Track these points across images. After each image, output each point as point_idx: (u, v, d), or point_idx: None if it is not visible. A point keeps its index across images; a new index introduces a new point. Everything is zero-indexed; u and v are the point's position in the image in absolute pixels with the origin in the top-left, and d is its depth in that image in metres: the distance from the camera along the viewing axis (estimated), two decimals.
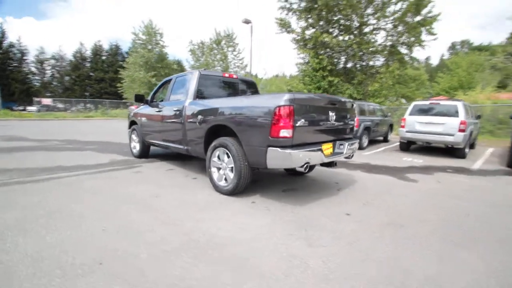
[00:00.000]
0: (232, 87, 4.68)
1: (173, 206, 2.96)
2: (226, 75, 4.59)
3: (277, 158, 2.73)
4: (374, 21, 19.53)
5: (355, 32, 19.19)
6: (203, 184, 3.84)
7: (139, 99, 5.11)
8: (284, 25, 20.16)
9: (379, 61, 19.91)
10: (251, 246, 2.14)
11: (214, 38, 32.15)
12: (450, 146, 6.80)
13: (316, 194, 3.50)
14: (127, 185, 3.70)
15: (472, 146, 7.86)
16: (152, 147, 5.66)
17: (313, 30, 18.98)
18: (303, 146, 2.86)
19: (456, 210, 3.13)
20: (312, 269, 1.86)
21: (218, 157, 3.48)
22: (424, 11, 17.56)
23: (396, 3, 18.28)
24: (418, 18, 18.34)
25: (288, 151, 2.67)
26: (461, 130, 6.44)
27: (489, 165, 6.06)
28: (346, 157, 3.57)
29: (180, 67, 39.70)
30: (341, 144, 3.38)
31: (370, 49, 18.64)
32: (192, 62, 33.38)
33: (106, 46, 47.29)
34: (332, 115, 3.21)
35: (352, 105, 3.77)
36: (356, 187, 3.94)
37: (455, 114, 6.66)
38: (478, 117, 8.74)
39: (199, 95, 4.09)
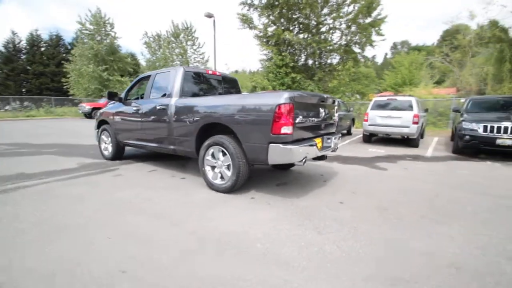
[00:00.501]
0: (215, 85, 4.64)
1: (173, 208, 2.90)
2: (210, 72, 4.53)
3: (279, 154, 2.85)
4: (331, 21, 20.67)
5: (313, 30, 20.08)
6: (194, 184, 3.78)
7: (112, 96, 4.75)
8: (246, 21, 20.22)
9: (335, 59, 21.11)
10: (268, 239, 2.24)
11: (172, 31, 30.74)
12: (406, 136, 7.68)
13: (307, 187, 3.72)
14: (113, 191, 3.47)
15: (422, 136, 8.95)
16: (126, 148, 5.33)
17: (275, 27, 19.40)
18: (300, 141, 3.02)
19: (425, 192, 3.61)
20: (329, 253, 2.04)
21: (212, 156, 3.46)
22: (374, 14, 19.06)
23: (349, 5, 19.59)
24: (368, 19, 19.88)
25: (289, 147, 2.81)
26: (414, 123, 7.31)
27: (438, 152, 7.01)
28: (332, 151, 3.85)
29: (134, 61, 37.19)
30: (328, 139, 3.64)
31: (328, 47, 19.69)
32: (148, 55, 31.56)
33: (45, 36, 41.90)
34: (322, 111, 3.43)
35: (334, 101, 4.05)
36: (339, 177, 4.27)
37: (409, 108, 7.52)
38: (426, 110, 9.96)
39: (184, 92, 3.99)
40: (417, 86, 32.05)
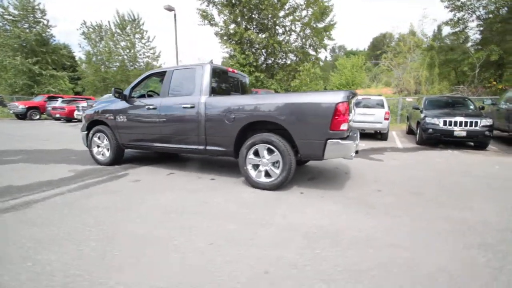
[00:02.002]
0: (234, 83, 4.57)
1: (238, 209, 2.83)
2: (230, 70, 4.44)
3: (336, 150, 3.03)
4: (288, 23, 21.64)
5: (271, 31, 20.74)
6: (228, 184, 3.71)
7: (119, 93, 4.28)
8: (207, 17, 19.79)
9: (291, 60, 22.16)
10: (355, 227, 2.40)
11: (116, 22, 27.96)
12: (378, 131, 8.66)
13: (337, 180, 3.99)
14: (151, 197, 3.18)
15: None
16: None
17: (235, 25, 19.41)
18: (349, 137, 3.26)
19: (431, 178, 4.24)
20: (415, 231, 2.31)
21: (256, 154, 3.46)
22: (327, 19, 20.60)
23: (302, 10, 20.81)
24: (322, 24, 21.42)
25: (346, 142, 3.02)
26: (386, 119, 8.32)
27: (406, 144, 8.11)
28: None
29: (69, 53, 32.74)
30: (354, 134, 3.97)
31: (288, 48, 20.59)
32: (89, 48, 28.16)
33: None
34: (355, 109, 3.73)
35: None
36: (353, 169, 4.66)
37: (381, 106, 8.52)
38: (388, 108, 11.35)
39: (212, 91, 3.85)
40: (360, 86, 35.90)
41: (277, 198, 3.17)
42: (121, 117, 4.43)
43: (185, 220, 2.52)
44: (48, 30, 23.89)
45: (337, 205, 2.96)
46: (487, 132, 6.87)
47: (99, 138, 4.78)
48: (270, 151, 3.38)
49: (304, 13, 20.64)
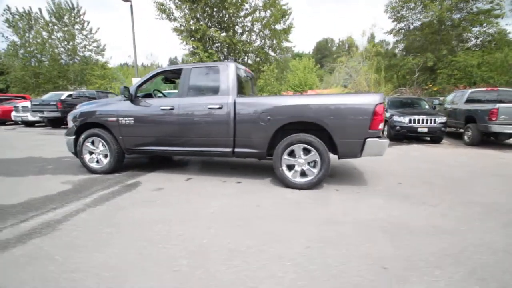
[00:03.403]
0: (249, 82, 4.47)
1: (296, 209, 2.83)
2: (247, 69, 4.33)
3: (374, 147, 3.25)
4: (249, 24, 21.86)
5: (234, 30, 20.70)
6: (259, 185, 3.65)
7: (128, 93, 3.82)
8: (165, 11, 18.72)
9: (253, 60, 22.50)
10: (414, 220, 2.64)
11: (51, 10, 24.32)
12: None
13: (352, 175, 4.25)
14: (196, 205, 2.95)
15: None
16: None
17: (195, 22, 18.77)
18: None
19: (422, 169, 4.83)
20: (450, 220, 2.65)
21: (291, 155, 3.47)
22: (287, 22, 21.38)
23: (261, 11, 21.29)
24: (280, 26, 22.16)
25: (383, 140, 3.26)
26: None
27: None
28: None
29: None
30: None
31: (249, 48, 20.78)
32: (16, 38, 23.94)
33: None
34: None
35: None
36: (357, 165, 5.01)
37: None
38: None
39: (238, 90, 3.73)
40: (312, 87, 38.20)
41: (319, 196, 3.25)
42: (126, 119, 3.94)
43: (258, 226, 2.42)
44: None
45: (378, 199, 3.18)
46: (442, 128, 8.07)
47: (92, 143, 4.17)
48: (305, 151, 3.44)
49: (263, 14, 21.12)
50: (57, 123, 11.18)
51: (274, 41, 21.78)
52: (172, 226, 2.39)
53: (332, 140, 3.38)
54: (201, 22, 18.68)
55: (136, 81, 15.83)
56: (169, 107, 3.77)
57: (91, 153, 4.22)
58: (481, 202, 3.06)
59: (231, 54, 21.78)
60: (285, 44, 23.18)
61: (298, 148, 3.43)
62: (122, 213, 2.68)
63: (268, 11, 21.40)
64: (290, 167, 3.52)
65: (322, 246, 2.07)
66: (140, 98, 4.09)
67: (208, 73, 3.82)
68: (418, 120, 8.07)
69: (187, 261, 1.84)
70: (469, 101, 8.56)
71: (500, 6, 15.90)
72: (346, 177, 4.10)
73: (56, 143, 7.35)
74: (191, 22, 18.47)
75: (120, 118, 3.96)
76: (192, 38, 18.64)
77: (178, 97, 3.80)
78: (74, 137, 4.23)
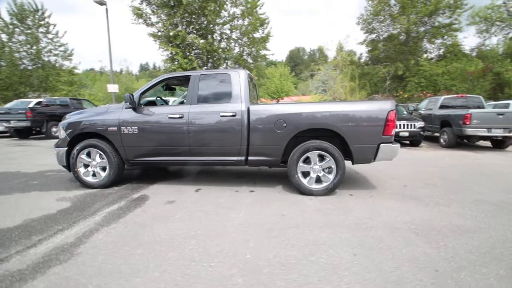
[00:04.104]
0: (253, 88, 4.43)
1: (322, 216, 2.81)
2: (251, 75, 4.29)
3: (388, 152, 3.37)
4: (228, 31, 22.01)
5: (211, 37, 20.68)
6: (274, 194, 3.59)
7: (132, 101, 3.58)
8: (141, 16, 18.21)
9: (233, 67, 22.64)
10: (438, 221, 2.75)
11: (12, 11, 22.40)
12: None
13: (357, 180, 4.37)
14: (221, 218, 2.81)
15: None
16: None
17: (173, 28, 18.44)
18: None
19: (419, 171, 5.10)
20: (468, 219, 2.81)
21: (307, 161, 3.48)
22: (266, 31, 21.81)
23: (239, 19, 21.58)
24: (258, 34, 22.56)
25: (395, 145, 3.39)
26: None
27: None
28: None
29: None
30: None
31: (229, 55, 20.85)
32: None
33: None
34: None
35: None
36: (358, 170, 5.15)
37: None
38: None
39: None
40: (289, 94, 39.06)
41: (337, 202, 3.27)
42: (129, 128, 3.69)
43: (294, 236, 2.36)
44: None
45: (393, 202, 3.28)
46: (421, 132, 8.64)
47: (88, 155, 3.84)
48: (320, 158, 3.46)
49: (241, 22, 21.39)
50: (25, 133, 10.19)
51: (253, 49, 22.09)
52: (206, 242, 2.24)
53: (345, 146, 3.45)
54: (180, 28, 18.39)
55: (112, 88, 15.00)
56: (178, 115, 3.60)
57: (86, 166, 3.88)
58: (487, 201, 3.28)
59: (210, 60, 21.70)
60: (263, 52, 23.62)
61: (313, 155, 3.44)
62: (144, 231, 2.47)
63: (247, 19, 21.73)
64: (305, 174, 3.52)
65: (368, 252, 2.06)
66: (142, 106, 3.87)
67: (218, 80, 3.73)
68: (400, 125, 8.55)
69: (243, 280, 1.73)
70: (442, 106, 9.28)
71: (458, 20, 17.62)
72: (353, 182, 4.18)
73: (31, 156, 6.69)
74: (170, 27, 18.10)
75: (122, 128, 3.69)
76: (171, 44, 18.24)
77: (188, 105, 3.65)
78: (66, 148, 3.87)
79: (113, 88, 13.54)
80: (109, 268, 1.87)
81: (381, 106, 3.35)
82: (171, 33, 18.01)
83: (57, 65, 25.26)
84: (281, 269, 1.84)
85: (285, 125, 3.41)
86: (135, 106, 3.70)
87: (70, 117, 4.03)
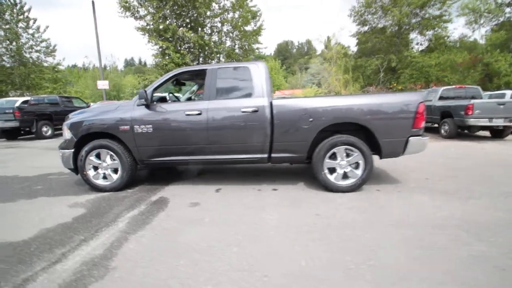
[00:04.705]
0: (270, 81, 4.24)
1: (360, 214, 2.70)
2: None
3: (417, 145, 3.28)
4: (219, 24, 21.57)
5: (203, 30, 20.19)
6: (298, 191, 3.46)
7: (145, 98, 3.33)
8: (129, 9, 17.50)
9: (226, 61, 22.28)
10: (475, 215, 2.69)
11: None
12: None
13: (385, 175, 4.29)
14: (255, 219, 2.66)
15: None
16: None
17: (163, 21, 17.83)
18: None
19: (436, 163, 5.08)
20: (502, 212, 2.78)
21: (333, 157, 3.35)
22: (258, 24, 21.46)
23: (229, 12, 21.19)
24: (250, 27, 22.24)
25: (424, 138, 3.30)
26: None
27: None
28: None
29: None
30: None
31: (222, 48, 20.46)
32: None
33: None
34: None
35: None
36: (379, 165, 5.07)
37: None
38: None
39: None
40: (280, 87, 38.91)
41: (368, 198, 3.17)
42: (143, 127, 3.44)
43: (339, 237, 2.23)
44: None
45: (423, 196, 3.20)
46: None
47: (97, 156, 3.58)
48: (348, 154, 3.34)
49: (232, 15, 20.99)
50: (13, 134, 9.62)
51: (246, 43, 21.75)
52: (250, 248, 2.09)
53: (371, 140, 3.34)
54: (169, 21, 17.79)
55: (102, 84, 14.39)
56: (196, 112, 3.38)
57: (95, 168, 3.62)
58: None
59: (201, 55, 21.25)
60: (256, 45, 23.31)
61: (340, 150, 3.31)
62: (176, 238, 2.28)
63: (237, 12, 21.34)
64: (331, 170, 3.40)
65: (428, 252, 1.96)
66: (155, 103, 3.62)
67: (237, 74, 3.52)
68: None
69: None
70: (442, 98, 9.37)
71: (448, 12, 17.84)
72: (375, 176, 4.10)
73: (24, 158, 6.30)
74: (159, 21, 17.47)
75: (135, 126, 3.44)
76: (161, 38, 17.64)
77: (207, 101, 3.43)
78: (73, 150, 3.59)
79: (103, 84, 12.97)
80: (156, 284, 1.68)
81: (410, 98, 3.24)
82: (161, 27, 17.43)
83: (39, 61, 24.03)
84: (345, 276, 1.71)
85: (311, 119, 3.26)
86: (149, 103, 3.46)
87: (75, 116, 3.74)
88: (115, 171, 3.61)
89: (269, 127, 3.33)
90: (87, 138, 3.59)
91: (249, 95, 3.41)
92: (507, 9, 17.19)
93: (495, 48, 16.63)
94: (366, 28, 19.94)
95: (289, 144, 3.38)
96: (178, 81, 4.30)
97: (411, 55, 18.77)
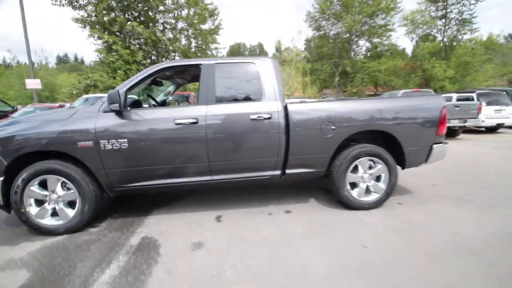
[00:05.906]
0: None
1: (398, 237, 2.28)
2: None
3: (440, 153, 3.02)
4: (173, 21, 20.20)
5: (154, 26, 18.62)
6: (316, 211, 2.95)
7: (113, 102, 2.38)
8: None
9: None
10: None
11: None
12: None
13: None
14: (280, 254, 2.01)
15: None
16: None
17: (107, 12, 15.76)
18: None
19: (436, 166, 5.06)
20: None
21: (354, 170, 2.90)
22: (216, 22, 20.64)
23: (184, 9, 20.08)
24: (207, 26, 21.36)
25: (446, 145, 3.07)
26: None
27: None
28: None
29: None
30: None
31: (177, 46, 19.13)
32: None
33: None
34: None
35: None
36: None
37: None
38: None
39: None
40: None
41: (394, 214, 2.81)
42: (113, 142, 2.49)
43: (413, 278, 1.74)
44: None
45: (444, 206, 3.00)
46: None
47: (42, 185, 2.51)
48: (371, 166, 2.94)
49: (187, 12, 19.85)
50: None
51: (202, 42, 20.73)
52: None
53: (392, 149, 2.99)
54: (116, 13, 15.75)
55: (32, 83, 11.76)
56: (190, 120, 2.57)
57: (40, 202, 2.53)
58: None
59: (154, 52, 19.56)
60: (214, 45, 22.47)
61: (363, 162, 2.88)
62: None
63: (192, 9, 20.30)
64: (352, 185, 2.94)
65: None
66: (129, 108, 2.70)
67: (241, 71, 2.81)
68: None
69: None
70: None
71: (391, 22, 19.61)
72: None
73: None
74: (104, 12, 15.34)
75: (102, 141, 2.47)
76: (107, 32, 15.50)
77: (204, 106, 2.64)
78: (1, 178, 2.44)
79: (34, 83, 10.63)
80: None
81: (434, 102, 2.97)
82: (105, 18, 15.32)
83: None
84: None
85: (333, 127, 2.74)
86: (122, 109, 2.52)
87: (2, 128, 2.57)
88: (71, 204, 2.57)
89: (285, 138, 2.72)
90: (25, 160, 2.48)
91: (258, 98, 2.74)
92: (439, 22, 19.63)
93: (431, 56, 18.85)
94: (321, 32, 20.71)
95: (308, 157, 2.82)
96: (155, 80, 3.39)
97: (361, 60, 20.11)
